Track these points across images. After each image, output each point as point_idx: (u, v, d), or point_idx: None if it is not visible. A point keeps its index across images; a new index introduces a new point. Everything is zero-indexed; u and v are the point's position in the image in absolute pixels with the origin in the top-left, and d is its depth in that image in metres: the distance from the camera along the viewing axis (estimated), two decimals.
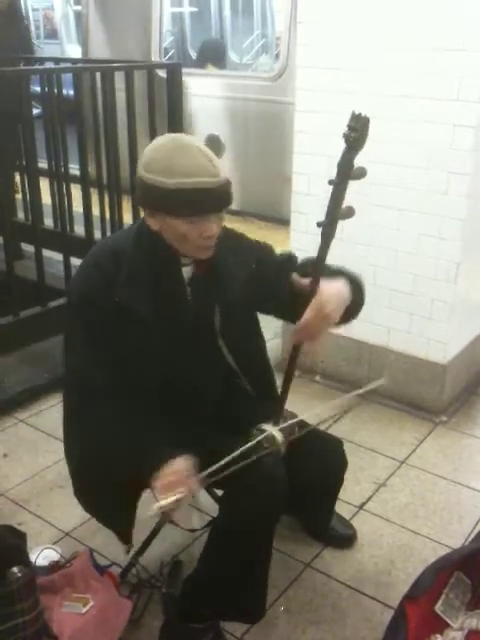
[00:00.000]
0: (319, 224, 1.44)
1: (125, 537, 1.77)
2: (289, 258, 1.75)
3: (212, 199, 1.44)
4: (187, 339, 1.62)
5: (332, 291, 1.51)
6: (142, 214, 1.58)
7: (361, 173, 1.38)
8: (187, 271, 1.61)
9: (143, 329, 1.56)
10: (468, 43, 2.29)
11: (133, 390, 1.57)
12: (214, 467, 1.49)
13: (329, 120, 2.68)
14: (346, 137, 1.34)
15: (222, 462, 1.49)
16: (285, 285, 1.61)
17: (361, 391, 1.77)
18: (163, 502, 1.41)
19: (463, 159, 2.41)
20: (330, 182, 1.39)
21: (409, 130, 2.49)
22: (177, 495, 1.42)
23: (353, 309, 1.59)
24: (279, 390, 1.84)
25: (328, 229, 1.44)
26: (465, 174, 2.42)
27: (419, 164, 2.51)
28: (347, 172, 1.37)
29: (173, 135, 1.53)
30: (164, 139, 1.50)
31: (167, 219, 1.48)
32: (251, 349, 1.82)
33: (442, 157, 2.45)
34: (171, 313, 1.59)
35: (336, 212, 1.42)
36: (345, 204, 1.45)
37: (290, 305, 1.61)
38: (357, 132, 1.32)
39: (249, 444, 1.55)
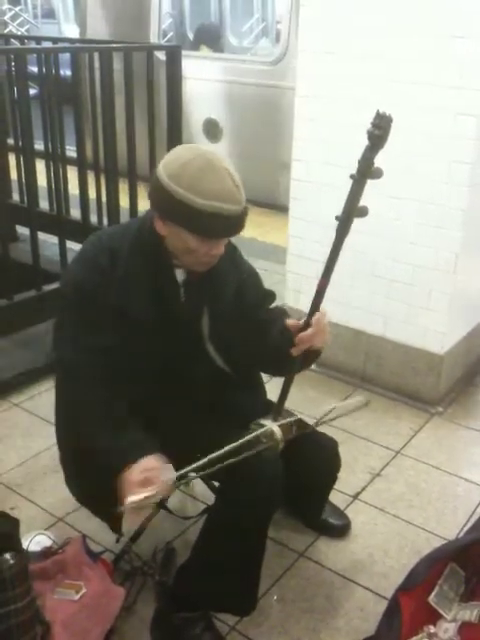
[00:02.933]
0: (337, 218, 1.45)
1: (115, 527, 1.76)
2: (271, 294, 1.84)
3: (232, 225, 1.48)
4: (176, 340, 1.64)
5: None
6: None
7: (378, 173, 1.41)
8: (181, 273, 1.63)
9: (136, 329, 1.57)
10: (471, 30, 2.26)
11: (118, 379, 1.57)
12: (202, 461, 1.46)
13: (330, 106, 2.65)
14: (369, 134, 1.36)
15: (210, 456, 1.46)
16: (257, 313, 1.75)
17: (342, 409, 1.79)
18: (134, 497, 1.39)
19: (465, 147, 2.38)
20: (351, 176, 1.41)
21: (410, 117, 2.45)
22: (147, 492, 1.40)
23: (313, 356, 1.66)
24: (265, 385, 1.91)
25: (343, 225, 1.46)
26: (466, 163, 2.40)
27: (420, 152, 2.48)
28: (367, 169, 1.39)
29: (200, 151, 1.47)
30: (190, 153, 1.46)
31: (180, 232, 1.49)
32: (239, 351, 1.83)
33: (443, 145, 2.42)
34: (164, 314, 1.61)
35: (353, 208, 1.44)
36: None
37: (249, 337, 1.73)
38: (381, 130, 1.35)
39: (245, 438, 1.52)
